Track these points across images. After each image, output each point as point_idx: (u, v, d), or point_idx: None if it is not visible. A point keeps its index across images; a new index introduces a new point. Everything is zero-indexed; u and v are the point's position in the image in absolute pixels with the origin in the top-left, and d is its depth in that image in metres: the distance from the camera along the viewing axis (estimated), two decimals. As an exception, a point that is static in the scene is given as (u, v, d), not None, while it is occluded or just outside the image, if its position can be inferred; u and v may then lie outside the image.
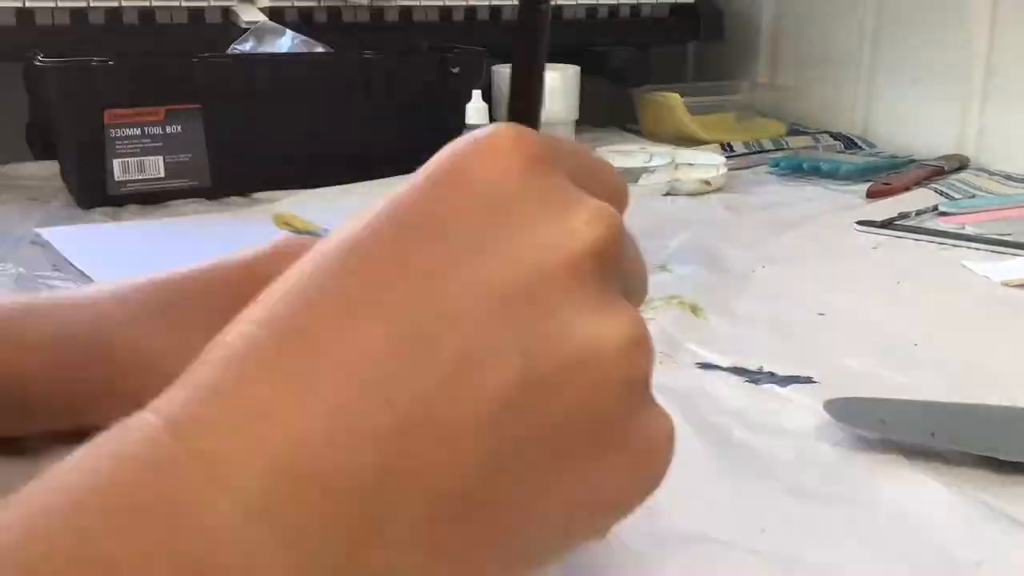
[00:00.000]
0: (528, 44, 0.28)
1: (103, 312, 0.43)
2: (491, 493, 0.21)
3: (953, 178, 1.05)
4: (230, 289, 0.41)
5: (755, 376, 0.55)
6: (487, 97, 1.05)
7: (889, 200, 0.97)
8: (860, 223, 0.89)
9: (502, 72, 1.18)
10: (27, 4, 1.00)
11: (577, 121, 1.21)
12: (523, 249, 0.22)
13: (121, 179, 0.93)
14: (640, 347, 0.23)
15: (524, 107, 0.28)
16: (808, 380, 0.55)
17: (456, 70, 1.07)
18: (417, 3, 1.19)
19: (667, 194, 1.00)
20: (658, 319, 0.64)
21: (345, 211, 0.87)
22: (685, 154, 1.10)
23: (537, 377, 0.22)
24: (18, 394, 0.41)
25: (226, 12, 1.10)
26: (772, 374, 0.56)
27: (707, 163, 1.08)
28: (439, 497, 0.21)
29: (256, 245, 0.43)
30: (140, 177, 0.94)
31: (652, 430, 0.24)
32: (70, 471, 0.20)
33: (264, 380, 0.21)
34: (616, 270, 0.24)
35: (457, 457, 0.21)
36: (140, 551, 0.18)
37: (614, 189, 0.27)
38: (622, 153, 1.08)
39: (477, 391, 0.21)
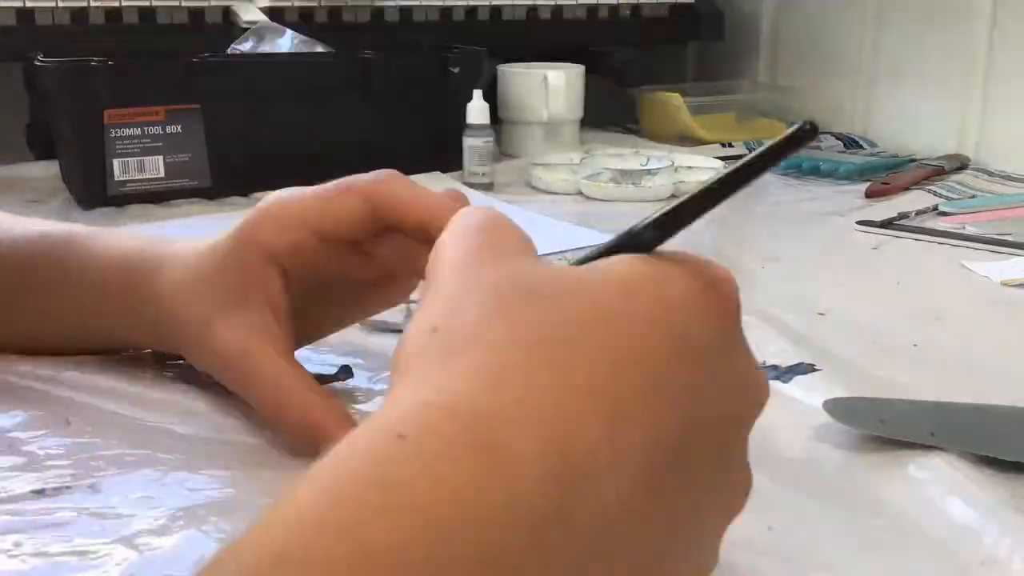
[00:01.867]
0: (720, 192, 0.31)
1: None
2: (687, 453, 0.26)
3: (953, 178, 1.05)
4: (236, 251, 0.46)
5: (755, 376, 0.55)
6: (487, 96, 1.05)
7: (889, 200, 0.97)
8: (860, 223, 0.89)
9: (506, 71, 1.18)
10: (27, 4, 1.00)
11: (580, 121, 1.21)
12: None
13: (121, 179, 0.93)
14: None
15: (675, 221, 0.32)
16: (811, 368, 0.55)
17: (456, 70, 1.07)
18: (417, 3, 1.19)
19: (671, 196, 1.00)
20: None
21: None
22: (684, 157, 1.10)
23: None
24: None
25: (226, 12, 1.10)
26: (775, 367, 0.56)
27: (706, 165, 1.08)
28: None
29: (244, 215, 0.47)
30: (140, 177, 0.94)
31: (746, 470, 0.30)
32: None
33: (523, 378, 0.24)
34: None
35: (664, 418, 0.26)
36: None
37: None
38: (618, 156, 1.08)
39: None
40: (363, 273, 0.47)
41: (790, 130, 0.27)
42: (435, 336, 0.25)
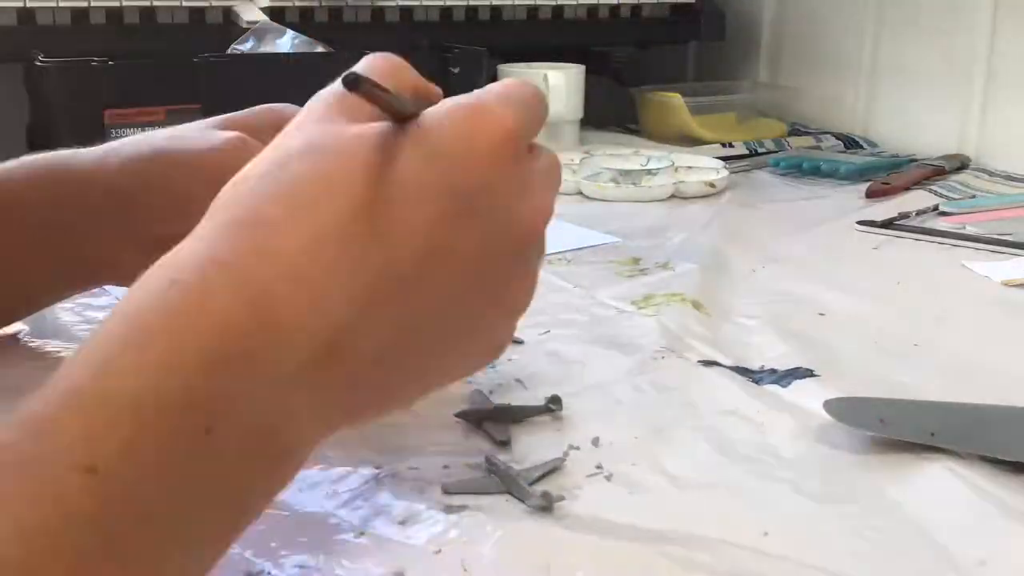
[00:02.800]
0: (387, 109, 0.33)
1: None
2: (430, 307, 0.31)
3: (953, 178, 1.05)
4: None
5: (757, 376, 0.56)
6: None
7: (890, 200, 0.97)
8: (861, 223, 0.89)
9: (506, 71, 1.18)
10: (28, 4, 1.00)
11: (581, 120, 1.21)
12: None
13: (122, 179, 0.93)
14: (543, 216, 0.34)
15: None
16: (809, 373, 0.55)
17: (456, 69, 1.07)
18: (418, 2, 1.19)
19: (671, 196, 1.00)
20: (661, 316, 0.64)
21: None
22: (683, 156, 1.10)
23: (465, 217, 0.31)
24: None
25: (227, 12, 1.10)
26: (773, 371, 0.56)
27: (705, 165, 1.08)
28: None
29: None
30: (141, 177, 0.94)
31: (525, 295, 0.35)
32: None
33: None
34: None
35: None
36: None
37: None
38: (618, 157, 1.08)
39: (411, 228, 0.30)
40: None
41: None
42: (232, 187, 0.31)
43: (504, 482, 0.43)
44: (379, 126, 0.31)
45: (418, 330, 0.30)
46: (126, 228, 0.49)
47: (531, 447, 0.47)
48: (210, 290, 0.26)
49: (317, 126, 0.32)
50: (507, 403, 0.50)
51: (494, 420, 0.49)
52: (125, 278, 0.47)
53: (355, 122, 0.32)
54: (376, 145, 0.30)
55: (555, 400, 0.50)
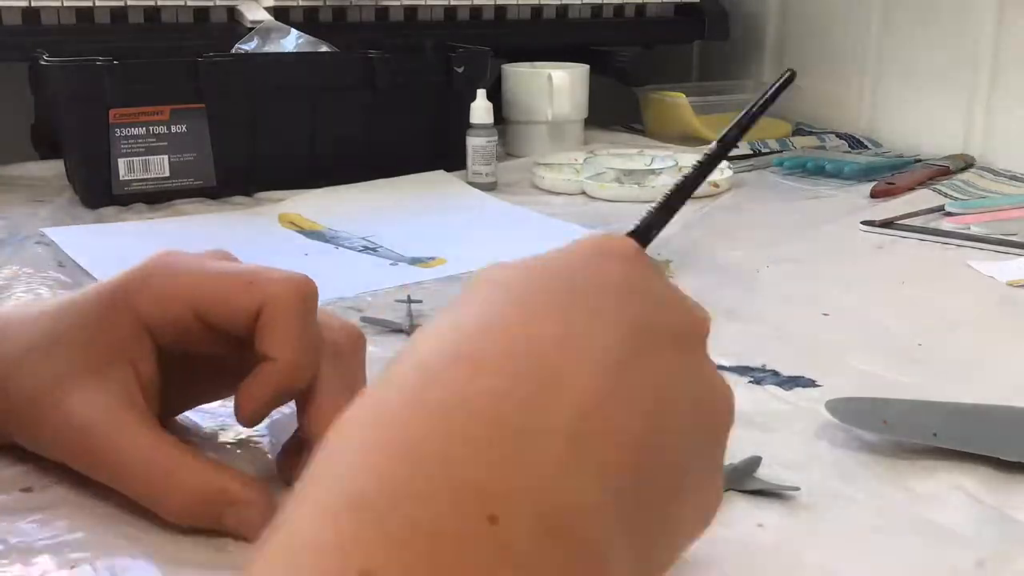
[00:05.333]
0: (688, 184, 0.35)
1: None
2: (653, 469, 0.27)
3: (958, 178, 1.05)
4: (107, 312, 0.41)
5: (759, 376, 0.55)
6: (492, 96, 1.05)
7: (894, 200, 0.97)
8: (865, 223, 0.89)
9: (510, 71, 1.18)
10: (33, 3, 1.01)
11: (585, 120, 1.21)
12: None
13: (126, 178, 0.93)
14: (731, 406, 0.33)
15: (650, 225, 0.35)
16: (811, 383, 0.55)
17: (461, 69, 1.07)
18: (422, 2, 1.19)
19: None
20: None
21: (348, 211, 0.86)
22: (688, 156, 1.10)
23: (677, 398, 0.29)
24: None
25: (231, 11, 1.10)
26: (776, 373, 0.56)
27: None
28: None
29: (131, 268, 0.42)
30: (145, 176, 0.94)
31: (718, 479, 0.32)
32: None
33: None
34: None
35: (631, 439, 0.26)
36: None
37: None
38: (622, 156, 1.08)
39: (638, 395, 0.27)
40: (238, 355, 0.41)
41: (778, 81, 0.34)
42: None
43: None
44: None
45: (653, 490, 0.27)
46: None
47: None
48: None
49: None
50: None
51: None
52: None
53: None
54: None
55: None
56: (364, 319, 0.63)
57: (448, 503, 0.22)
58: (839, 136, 1.25)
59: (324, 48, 1.05)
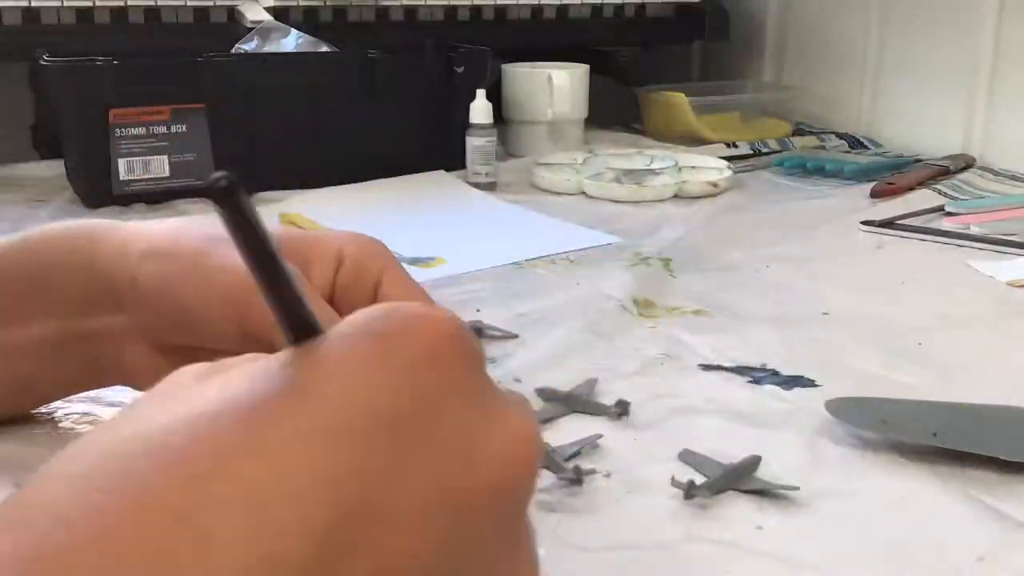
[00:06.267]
0: (250, 249, 0.22)
1: None
2: None
3: (958, 178, 1.05)
4: None
5: (759, 376, 0.55)
6: (492, 96, 1.05)
7: (894, 200, 0.97)
8: (864, 223, 0.89)
9: (510, 71, 1.18)
10: (33, 3, 1.01)
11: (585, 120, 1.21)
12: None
13: (126, 178, 0.93)
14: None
15: (295, 319, 0.23)
16: (811, 383, 0.55)
17: (460, 69, 1.07)
18: (422, 2, 1.20)
19: (675, 196, 1.00)
20: (663, 315, 0.64)
21: (348, 210, 0.86)
22: (688, 157, 1.10)
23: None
24: None
25: (231, 11, 1.10)
26: (775, 373, 0.56)
27: (709, 165, 1.08)
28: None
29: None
30: (145, 176, 0.94)
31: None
32: None
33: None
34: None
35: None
36: None
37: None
38: (622, 156, 1.08)
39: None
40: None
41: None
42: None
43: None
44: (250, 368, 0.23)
45: None
46: (144, 330, 0.44)
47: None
48: None
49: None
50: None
51: None
52: (137, 380, 0.45)
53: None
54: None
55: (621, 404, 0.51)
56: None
57: None
58: (839, 136, 1.25)
59: (324, 48, 1.05)
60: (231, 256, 0.24)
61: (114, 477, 0.20)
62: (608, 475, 0.44)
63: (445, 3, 1.21)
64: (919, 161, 1.11)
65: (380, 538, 0.20)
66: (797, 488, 0.42)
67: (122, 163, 0.93)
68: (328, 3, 1.15)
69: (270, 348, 0.25)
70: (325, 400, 0.21)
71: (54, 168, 1.02)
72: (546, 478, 0.44)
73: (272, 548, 0.19)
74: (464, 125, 1.03)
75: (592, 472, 0.44)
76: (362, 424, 0.21)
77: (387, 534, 0.20)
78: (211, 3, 1.09)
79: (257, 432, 0.20)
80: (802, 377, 0.55)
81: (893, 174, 1.05)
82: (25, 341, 0.44)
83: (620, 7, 1.34)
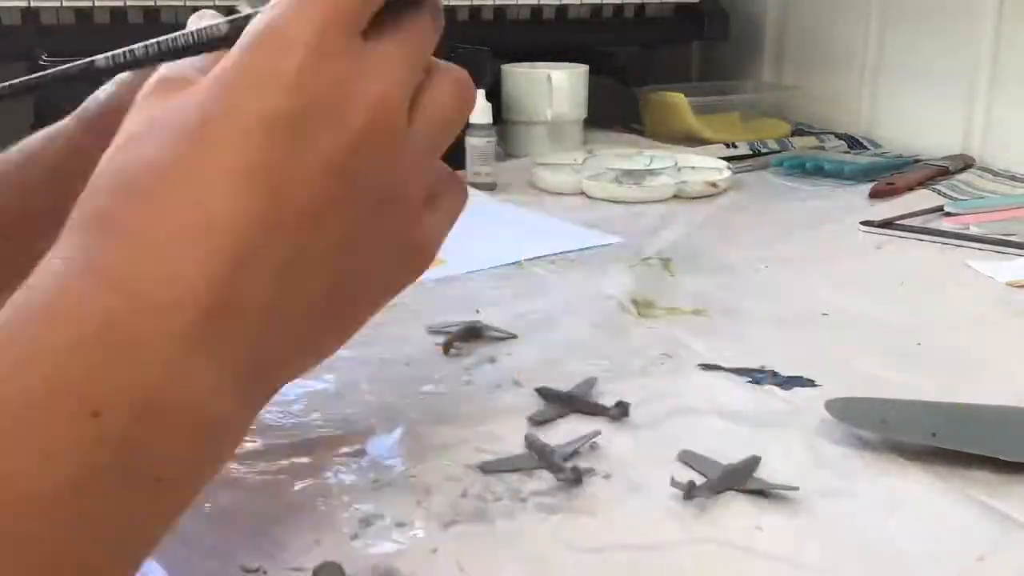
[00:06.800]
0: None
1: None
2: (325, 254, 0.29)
3: (957, 178, 1.05)
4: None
5: (758, 376, 0.55)
6: (491, 96, 1.05)
7: (894, 200, 0.97)
8: (864, 223, 0.89)
9: (510, 71, 1.18)
10: (32, 4, 1.00)
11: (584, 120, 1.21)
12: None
13: (125, 178, 0.93)
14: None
15: None
16: (810, 383, 0.55)
17: (460, 69, 1.07)
18: (421, 3, 1.19)
19: (675, 196, 1.00)
20: (663, 314, 0.64)
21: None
22: (687, 157, 1.10)
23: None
24: None
25: (229, 12, 1.10)
26: (775, 373, 0.56)
27: (709, 166, 1.08)
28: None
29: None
30: (144, 176, 0.94)
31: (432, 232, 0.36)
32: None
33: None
34: None
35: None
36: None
37: None
38: (622, 157, 1.08)
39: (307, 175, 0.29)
40: None
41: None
42: None
43: (541, 457, 0.45)
44: (191, 92, 0.31)
45: (301, 275, 0.29)
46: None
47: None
48: (66, 287, 0.26)
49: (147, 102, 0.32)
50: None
51: None
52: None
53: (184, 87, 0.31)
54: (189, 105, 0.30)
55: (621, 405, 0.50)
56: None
57: (50, 402, 0.24)
58: (838, 136, 1.25)
59: (324, 48, 1.05)
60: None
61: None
62: (607, 475, 0.44)
63: (445, 3, 1.21)
64: (918, 161, 1.11)
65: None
66: (796, 488, 0.42)
67: (121, 163, 0.93)
68: (327, 3, 1.14)
69: None
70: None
71: (53, 168, 1.02)
72: (545, 479, 0.44)
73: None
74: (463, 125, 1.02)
75: (591, 472, 0.44)
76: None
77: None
78: (211, 3, 1.09)
79: None
80: (801, 377, 0.55)
81: (892, 174, 1.05)
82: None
83: (620, 7, 1.34)
